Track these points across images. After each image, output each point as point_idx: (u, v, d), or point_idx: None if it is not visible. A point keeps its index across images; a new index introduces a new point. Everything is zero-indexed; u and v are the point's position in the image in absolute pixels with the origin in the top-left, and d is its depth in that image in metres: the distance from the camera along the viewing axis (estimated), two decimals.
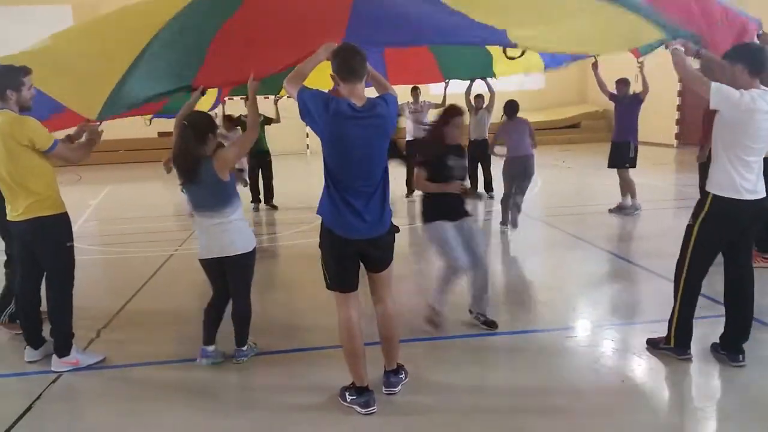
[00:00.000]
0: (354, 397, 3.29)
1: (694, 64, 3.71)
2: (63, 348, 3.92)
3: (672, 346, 3.73)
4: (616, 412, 3.20)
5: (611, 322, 4.50)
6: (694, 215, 3.59)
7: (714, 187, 3.49)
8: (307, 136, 19.96)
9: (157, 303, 5.34)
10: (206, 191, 3.60)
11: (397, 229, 3.36)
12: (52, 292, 3.90)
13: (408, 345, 3.85)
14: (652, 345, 3.87)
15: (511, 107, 7.30)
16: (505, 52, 4.51)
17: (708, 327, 3.95)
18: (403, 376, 3.54)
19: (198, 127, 3.53)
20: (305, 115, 3.05)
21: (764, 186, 3.50)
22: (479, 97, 9.71)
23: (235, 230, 3.68)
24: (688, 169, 11.69)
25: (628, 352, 3.91)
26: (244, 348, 3.94)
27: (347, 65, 3.05)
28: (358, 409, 3.25)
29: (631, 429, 3.06)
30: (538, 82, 20.21)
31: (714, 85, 3.33)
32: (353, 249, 3.17)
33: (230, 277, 3.80)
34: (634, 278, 5.67)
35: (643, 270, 5.74)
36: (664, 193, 10.19)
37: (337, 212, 3.10)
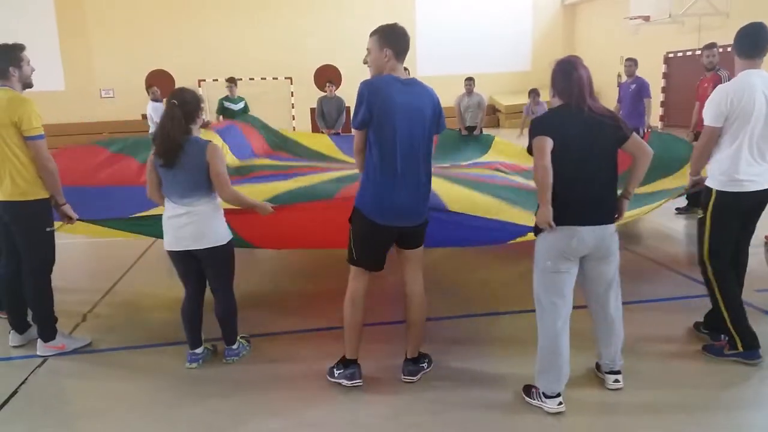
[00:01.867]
0: (341, 371, 3.34)
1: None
2: (47, 332, 3.90)
3: (741, 350, 3.48)
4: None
5: None
6: (704, 208, 3.56)
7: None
8: (293, 119, 19.85)
9: (144, 286, 5.33)
10: (187, 176, 3.38)
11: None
12: (32, 278, 3.83)
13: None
14: (715, 353, 3.59)
15: None
16: None
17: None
18: (425, 365, 3.48)
19: (186, 107, 3.39)
20: (362, 120, 3.09)
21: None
22: (470, 79, 9.83)
23: (209, 220, 3.46)
24: None
25: None
26: (235, 346, 3.74)
27: (403, 44, 3.16)
28: (344, 381, 3.30)
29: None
30: (523, 64, 20.23)
31: (705, 122, 3.42)
32: (393, 234, 3.23)
33: (209, 273, 3.60)
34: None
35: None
36: None
37: (383, 200, 3.12)
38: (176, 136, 3.34)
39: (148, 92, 10.58)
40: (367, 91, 3.07)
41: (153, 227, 3.86)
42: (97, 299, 4.95)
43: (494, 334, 4.13)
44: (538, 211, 2.97)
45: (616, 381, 3.23)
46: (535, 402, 3.10)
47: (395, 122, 3.06)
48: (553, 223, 2.91)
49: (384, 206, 3.13)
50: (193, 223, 3.42)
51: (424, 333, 3.46)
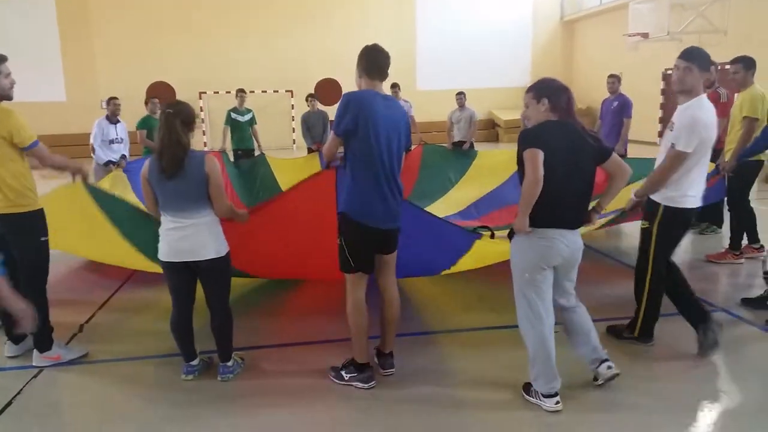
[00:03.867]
0: (354, 374, 3.47)
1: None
2: (43, 343, 3.88)
3: (636, 335, 3.93)
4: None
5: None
6: (650, 220, 3.76)
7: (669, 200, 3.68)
8: (293, 131, 19.92)
9: (141, 297, 5.30)
10: (188, 188, 3.36)
11: None
12: (27, 289, 3.75)
13: None
14: (614, 334, 4.03)
15: None
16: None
17: None
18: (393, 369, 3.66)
19: (183, 118, 3.39)
20: (345, 129, 3.26)
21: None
22: (461, 93, 9.92)
23: (210, 231, 3.46)
24: None
25: None
26: (230, 363, 3.68)
27: (377, 64, 3.35)
28: (360, 384, 3.43)
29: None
30: (523, 79, 20.35)
31: (677, 147, 3.53)
32: (380, 236, 3.39)
33: (207, 285, 3.56)
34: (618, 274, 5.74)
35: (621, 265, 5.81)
36: None
37: (370, 204, 3.30)
38: (179, 147, 3.33)
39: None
40: (353, 101, 3.24)
41: (146, 231, 3.96)
42: (94, 310, 4.93)
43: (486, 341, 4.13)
44: (516, 219, 3.09)
45: (609, 367, 3.34)
46: (533, 400, 3.25)
47: (379, 133, 3.24)
48: (529, 229, 3.06)
49: (372, 210, 3.31)
50: (194, 235, 3.40)
51: (396, 330, 3.64)
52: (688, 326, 3.89)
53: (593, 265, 6.02)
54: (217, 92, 19.61)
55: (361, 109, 3.22)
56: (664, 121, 17.35)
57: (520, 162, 3.09)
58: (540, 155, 2.99)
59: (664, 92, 17.22)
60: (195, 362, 3.68)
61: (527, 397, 3.29)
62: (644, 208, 3.82)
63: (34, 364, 3.86)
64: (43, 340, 3.88)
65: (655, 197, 3.72)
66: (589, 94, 18.23)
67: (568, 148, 3.08)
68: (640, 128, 16.44)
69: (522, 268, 3.19)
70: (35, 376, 3.75)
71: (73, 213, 4.82)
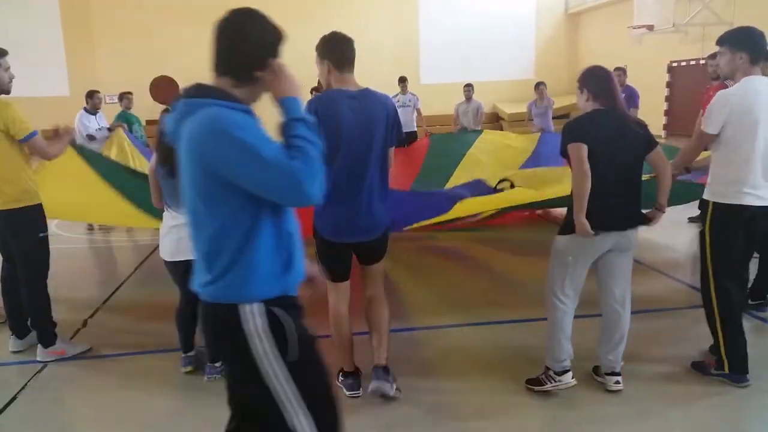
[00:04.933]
0: (343, 378, 3.36)
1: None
2: (47, 338, 3.88)
3: (727, 372, 3.33)
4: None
5: None
6: (703, 221, 3.40)
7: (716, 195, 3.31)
8: None
9: (146, 291, 5.31)
10: None
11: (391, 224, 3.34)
12: (28, 285, 3.82)
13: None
14: (702, 370, 3.47)
15: None
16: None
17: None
18: (395, 385, 3.30)
19: None
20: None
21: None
22: (468, 85, 9.95)
23: None
24: None
25: None
26: (218, 364, 3.53)
27: (345, 55, 3.03)
28: (344, 390, 3.31)
29: None
30: (527, 72, 20.25)
31: (702, 126, 3.26)
32: (349, 249, 3.21)
33: None
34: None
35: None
36: None
37: (336, 218, 3.09)
38: None
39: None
40: (314, 107, 2.95)
41: (142, 191, 4.04)
42: (98, 305, 4.94)
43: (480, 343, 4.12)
44: (574, 218, 3.04)
45: (617, 382, 3.27)
46: (549, 385, 3.25)
47: (341, 140, 2.95)
48: (591, 231, 3.02)
49: (335, 224, 3.10)
50: None
51: (389, 341, 3.37)
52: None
53: None
54: None
55: (324, 114, 2.91)
56: (669, 113, 17.24)
57: (565, 156, 3.10)
58: (584, 149, 2.99)
59: (669, 85, 17.10)
60: (192, 353, 3.69)
61: (537, 388, 3.27)
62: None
63: (38, 359, 3.86)
64: (47, 335, 3.88)
65: (705, 194, 3.36)
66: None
67: (615, 140, 3.03)
68: (646, 120, 16.35)
69: (566, 251, 3.17)
70: (39, 371, 3.76)
71: (69, 179, 4.79)
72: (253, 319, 1.73)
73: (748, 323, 3.72)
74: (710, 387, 3.34)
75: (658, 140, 3.24)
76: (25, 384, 3.60)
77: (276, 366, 1.74)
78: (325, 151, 2.84)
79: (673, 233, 6.81)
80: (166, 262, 3.51)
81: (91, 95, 8.02)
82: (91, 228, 7.84)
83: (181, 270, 3.45)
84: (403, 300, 4.90)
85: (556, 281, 3.23)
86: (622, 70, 8.27)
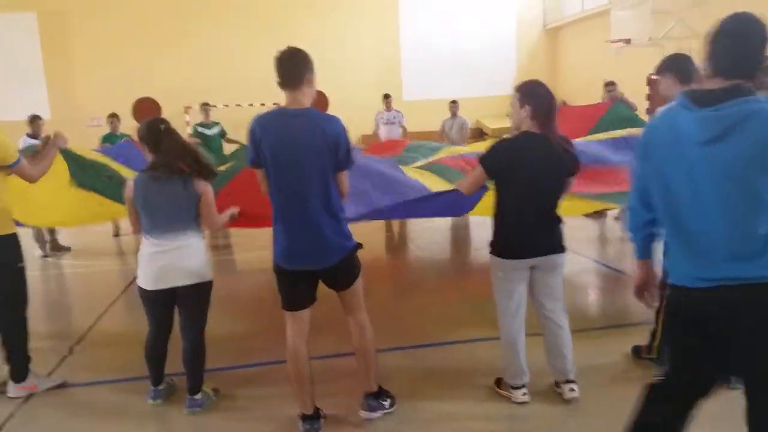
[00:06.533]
0: (301, 422, 3.13)
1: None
2: (20, 373, 3.71)
3: (655, 357, 3.64)
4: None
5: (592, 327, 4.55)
6: None
7: None
8: None
9: (131, 318, 5.24)
10: (178, 206, 3.27)
11: (359, 246, 3.11)
12: (4, 317, 3.65)
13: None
14: (636, 353, 3.85)
15: None
16: None
17: None
18: (387, 403, 3.29)
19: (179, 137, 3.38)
20: (251, 159, 2.95)
21: None
22: (454, 102, 10.12)
23: (197, 255, 3.34)
24: None
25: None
26: (198, 396, 3.43)
27: (278, 73, 2.95)
28: None
29: None
30: (508, 87, 20.49)
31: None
32: (304, 277, 3.03)
33: (185, 312, 3.40)
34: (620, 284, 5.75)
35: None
36: None
37: (286, 243, 2.96)
38: (185, 159, 3.28)
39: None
40: (252, 127, 2.89)
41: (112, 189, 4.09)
42: (83, 332, 4.87)
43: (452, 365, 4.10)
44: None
45: (572, 390, 3.35)
46: (504, 392, 3.42)
47: (276, 160, 2.85)
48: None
49: (284, 250, 2.96)
50: (178, 259, 3.28)
51: (376, 365, 3.25)
52: None
53: (581, 269, 6.05)
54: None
55: (261, 135, 2.85)
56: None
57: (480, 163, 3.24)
58: (482, 178, 3.24)
59: (649, 97, 17.39)
60: (162, 386, 3.57)
61: (498, 390, 3.45)
62: None
63: (9, 395, 3.69)
64: (20, 370, 3.71)
65: None
66: (573, 99, 18.33)
67: (535, 167, 3.10)
68: None
69: (497, 267, 3.30)
70: (25, 401, 3.67)
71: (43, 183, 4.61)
72: None
73: None
74: None
75: None
76: (12, 414, 3.51)
77: None
78: (264, 171, 2.90)
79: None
80: (144, 290, 3.38)
81: (33, 120, 7.95)
82: (117, 234, 8.50)
83: (162, 298, 3.36)
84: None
85: (496, 297, 3.36)
86: (613, 85, 8.19)
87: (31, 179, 3.66)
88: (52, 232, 7.92)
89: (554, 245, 3.25)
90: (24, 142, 7.61)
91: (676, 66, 3.48)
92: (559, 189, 3.21)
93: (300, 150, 2.84)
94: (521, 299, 3.31)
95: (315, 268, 2.99)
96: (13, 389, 3.72)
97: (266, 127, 2.89)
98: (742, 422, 2.04)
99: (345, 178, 3.02)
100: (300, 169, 2.85)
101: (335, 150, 2.89)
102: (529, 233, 3.19)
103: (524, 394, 3.35)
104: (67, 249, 8.03)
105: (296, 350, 3.07)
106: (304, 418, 3.13)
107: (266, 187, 2.98)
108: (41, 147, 3.92)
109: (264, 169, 2.93)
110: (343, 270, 3.05)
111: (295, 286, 3.04)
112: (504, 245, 3.25)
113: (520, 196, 3.16)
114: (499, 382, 3.49)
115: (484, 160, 3.21)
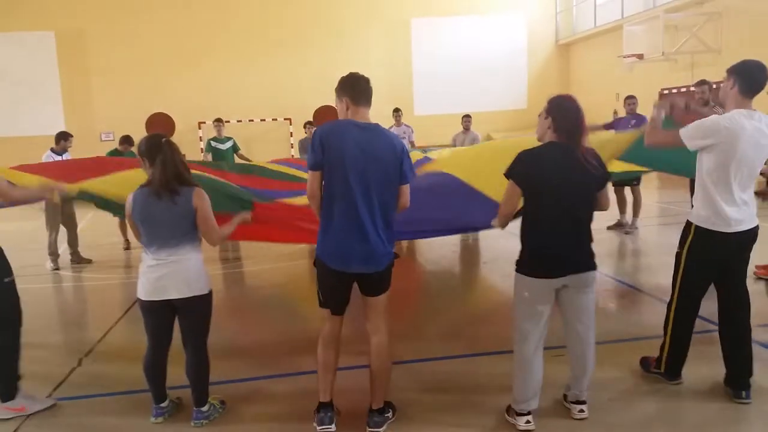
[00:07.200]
0: (315, 410, 3.29)
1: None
2: (8, 392, 3.59)
3: (662, 371, 3.67)
4: None
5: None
6: (681, 243, 3.50)
7: (696, 219, 3.41)
8: (292, 147, 19.94)
9: (140, 330, 5.24)
10: (175, 221, 3.28)
11: (396, 256, 3.27)
12: None
13: None
14: (644, 366, 3.83)
15: None
16: None
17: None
18: (390, 414, 3.37)
19: (178, 150, 3.38)
20: (314, 162, 3.12)
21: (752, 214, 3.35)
22: (467, 116, 10.11)
23: (195, 268, 3.35)
24: (672, 184, 11.75)
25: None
26: (205, 408, 3.45)
27: (359, 89, 3.18)
28: (315, 425, 3.25)
29: None
30: (520, 103, 20.47)
31: (681, 131, 3.31)
32: (350, 279, 3.20)
33: (185, 325, 3.43)
34: (633, 299, 5.67)
35: (640, 292, 5.75)
36: (650, 208, 10.25)
37: (337, 245, 3.12)
38: (178, 176, 3.29)
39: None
40: (320, 133, 3.10)
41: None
42: (93, 345, 4.87)
43: (467, 378, 4.05)
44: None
45: (581, 411, 3.33)
46: (510, 420, 3.30)
47: (346, 166, 3.03)
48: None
49: (336, 252, 3.13)
50: (176, 272, 3.29)
51: (388, 383, 3.34)
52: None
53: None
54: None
55: (329, 141, 3.06)
56: None
57: (509, 178, 3.17)
58: (517, 192, 3.14)
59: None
60: (165, 404, 3.53)
61: (507, 417, 3.34)
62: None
63: None
64: (8, 389, 3.59)
65: (690, 216, 3.47)
66: (585, 114, 18.23)
67: (562, 178, 3.06)
68: None
69: (523, 287, 3.21)
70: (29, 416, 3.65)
71: None
72: None
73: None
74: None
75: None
76: (17, 428, 3.49)
77: None
78: (329, 177, 3.02)
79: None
80: (141, 301, 3.39)
81: (62, 137, 7.97)
82: (127, 247, 8.56)
83: (159, 310, 3.36)
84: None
85: (516, 317, 3.26)
86: (633, 98, 8.33)
87: (6, 198, 3.58)
88: (73, 244, 8.00)
89: (587, 261, 3.17)
90: (48, 157, 7.75)
91: (737, 70, 3.31)
92: (588, 202, 3.14)
93: (371, 160, 3.06)
94: (545, 323, 3.20)
95: (367, 271, 3.15)
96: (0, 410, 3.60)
97: (339, 135, 3.09)
98: None
99: (407, 190, 3.24)
100: (369, 177, 3.06)
101: (401, 163, 3.14)
102: (560, 248, 3.10)
103: (528, 422, 3.23)
104: (88, 261, 8.05)
105: (329, 339, 3.26)
106: (320, 406, 3.27)
107: (315, 189, 3.16)
108: (39, 188, 3.92)
109: (321, 173, 3.10)
110: (386, 276, 3.24)
111: (339, 286, 3.21)
112: (533, 263, 3.15)
113: (550, 208, 3.08)
114: (509, 409, 3.36)
115: (510, 170, 3.15)
